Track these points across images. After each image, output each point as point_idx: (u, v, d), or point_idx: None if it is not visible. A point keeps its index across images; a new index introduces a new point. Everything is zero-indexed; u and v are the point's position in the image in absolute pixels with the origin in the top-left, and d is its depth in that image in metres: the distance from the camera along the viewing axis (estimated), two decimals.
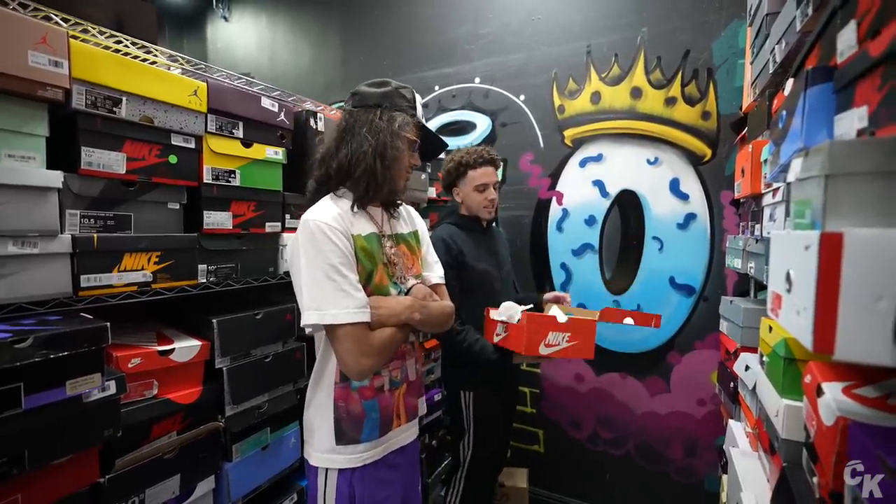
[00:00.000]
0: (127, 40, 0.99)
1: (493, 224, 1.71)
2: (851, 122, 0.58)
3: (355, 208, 0.98)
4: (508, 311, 1.38)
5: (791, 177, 0.65)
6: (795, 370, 0.86)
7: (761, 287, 1.58)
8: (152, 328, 1.17)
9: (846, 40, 0.61)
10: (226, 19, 3.14)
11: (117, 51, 0.94)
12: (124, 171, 0.93)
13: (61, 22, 0.89)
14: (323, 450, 0.97)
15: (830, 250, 0.48)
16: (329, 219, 0.91)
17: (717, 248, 1.76)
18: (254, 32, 3.05)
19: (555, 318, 1.31)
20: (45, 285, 0.82)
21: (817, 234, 0.49)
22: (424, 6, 2.36)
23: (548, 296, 1.68)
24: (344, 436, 0.96)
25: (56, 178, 0.81)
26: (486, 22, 2.20)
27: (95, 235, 0.88)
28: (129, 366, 0.94)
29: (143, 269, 0.96)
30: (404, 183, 1.05)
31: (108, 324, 0.81)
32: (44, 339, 0.72)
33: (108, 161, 0.90)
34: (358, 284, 0.92)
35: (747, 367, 1.19)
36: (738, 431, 1.25)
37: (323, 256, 0.88)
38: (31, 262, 0.80)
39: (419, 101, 1.05)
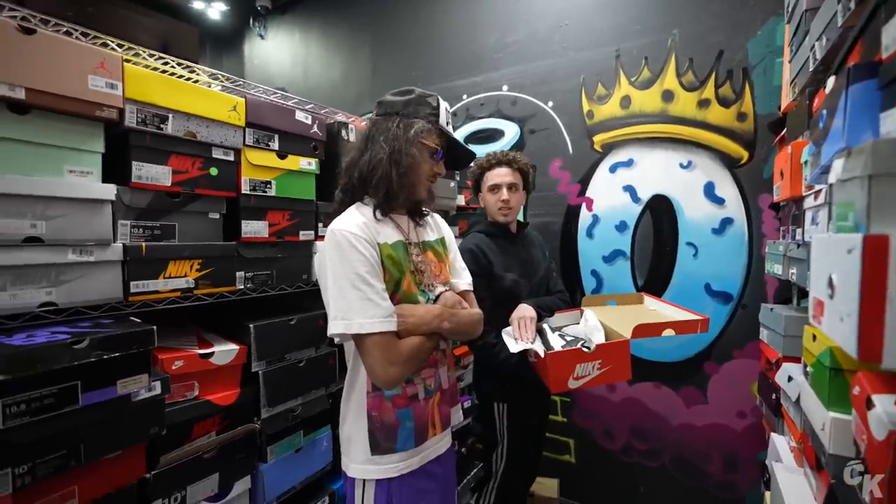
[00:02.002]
0: (173, 61, 1.06)
1: (525, 228, 1.68)
2: None
3: (378, 216, 0.99)
4: (520, 326, 1.35)
5: (832, 178, 0.63)
6: (842, 381, 0.82)
7: (804, 294, 1.50)
8: (193, 332, 1.23)
9: (892, 34, 0.58)
10: (262, 37, 3.29)
11: (164, 71, 1.01)
12: (170, 184, 0.99)
13: (116, 48, 0.97)
14: (359, 461, 0.97)
15: (875, 253, 0.46)
16: (354, 228, 0.92)
17: (756, 253, 1.69)
18: (288, 48, 3.18)
19: (580, 349, 1.22)
20: (99, 291, 0.88)
21: (861, 237, 0.47)
22: (452, 17, 2.40)
23: None
24: (379, 446, 0.96)
25: (110, 190, 0.88)
26: (513, 30, 2.21)
27: (144, 244, 0.94)
28: (173, 368, 0.99)
29: (186, 275, 1.02)
30: (426, 191, 1.05)
31: (155, 327, 0.86)
32: (98, 341, 0.78)
33: (156, 174, 0.96)
34: (384, 293, 0.93)
35: (790, 378, 1.14)
36: (781, 446, 1.19)
37: (349, 266, 0.89)
38: (88, 270, 0.86)
39: (444, 108, 1.03)
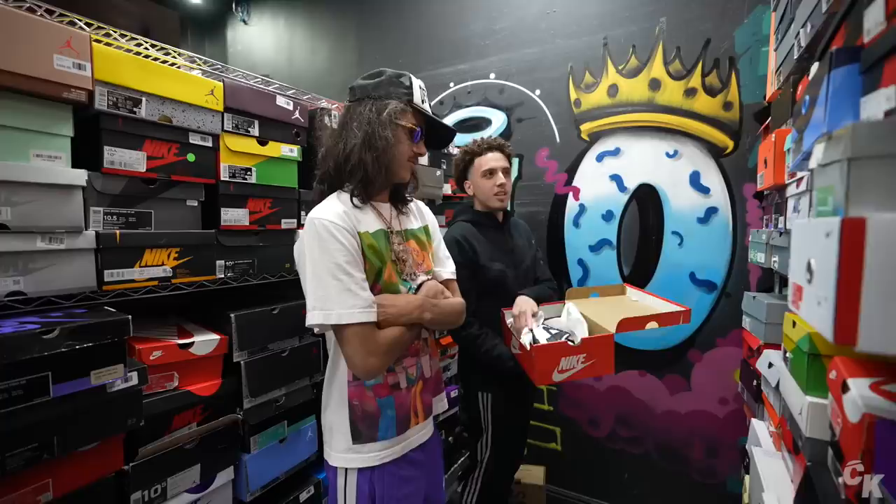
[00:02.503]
0: (147, 43, 1.02)
1: (511, 216, 1.65)
2: (879, 103, 0.56)
3: (357, 203, 0.97)
4: (521, 320, 1.35)
5: (813, 163, 0.63)
6: (820, 366, 0.83)
7: (786, 282, 1.52)
8: (173, 322, 1.20)
9: (874, 17, 0.58)
10: (245, 22, 3.21)
11: (138, 53, 0.97)
12: (144, 170, 0.96)
13: (84, 27, 0.93)
14: (341, 450, 0.97)
15: (852, 237, 0.46)
16: (334, 217, 0.90)
17: (740, 242, 1.70)
18: (272, 34, 3.11)
19: (565, 343, 1.22)
20: (71, 280, 0.85)
21: (839, 220, 0.47)
22: (439, 3, 2.37)
23: None
24: (360, 435, 0.96)
25: (80, 176, 0.84)
26: (500, 17, 2.18)
27: (118, 232, 0.91)
28: (151, 358, 0.97)
29: (163, 264, 0.99)
30: (408, 172, 1.02)
31: (130, 316, 0.84)
32: (69, 331, 0.75)
33: (129, 160, 0.93)
34: (364, 283, 0.91)
35: (770, 365, 1.15)
36: (761, 431, 1.21)
37: (328, 255, 0.88)
38: (58, 258, 0.83)
39: (418, 86, 1.00)
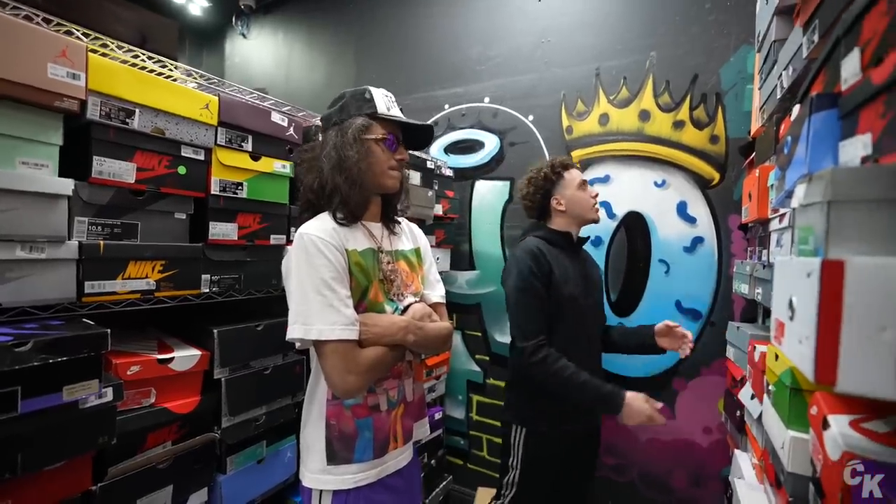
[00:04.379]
0: (144, 55, 1.03)
1: (583, 243, 1.55)
2: (856, 148, 0.58)
3: (343, 223, 0.97)
4: None
5: (795, 203, 0.65)
6: (801, 400, 0.84)
7: (769, 313, 1.54)
8: (154, 336, 1.17)
9: (850, 67, 0.61)
10: (244, 36, 3.24)
11: (134, 65, 0.98)
12: (133, 181, 0.95)
13: (82, 37, 0.93)
14: (315, 470, 0.94)
15: (832, 278, 0.47)
16: (323, 233, 0.91)
17: (725, 272, 1.73)
18: (271, 49, 3.14)
19: None
20: (50, 290, 0.83)
21: (819, 262, 0.48)
22: (437, 27, 2.42)
23: (659, 326, 1.47)
24: (336, 456, 0.93)
25: (67, 185, 0.83)
26: (496, 44, 2.24)
27: (102, 242, 0.90)
28: (128, 373, 0.94)
29: (147, 277, 0.98)
30: (392, 181, 1.01)
31: (109, 330, 0.82)
32: (44, 344, 0.73)
33: (119, 170, 0.92)
34: (348, 301, 0.91)
35: (753, 396, 1.16)
36: (744, 462, 1.21)
37: (314, 270, 0.87)
38: (38, 268, 0.81)
39: (381, 94, 1.00)
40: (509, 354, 1.51)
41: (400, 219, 1.13)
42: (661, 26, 1.83)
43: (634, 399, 1.26)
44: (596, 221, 1.48)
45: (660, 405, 1.28)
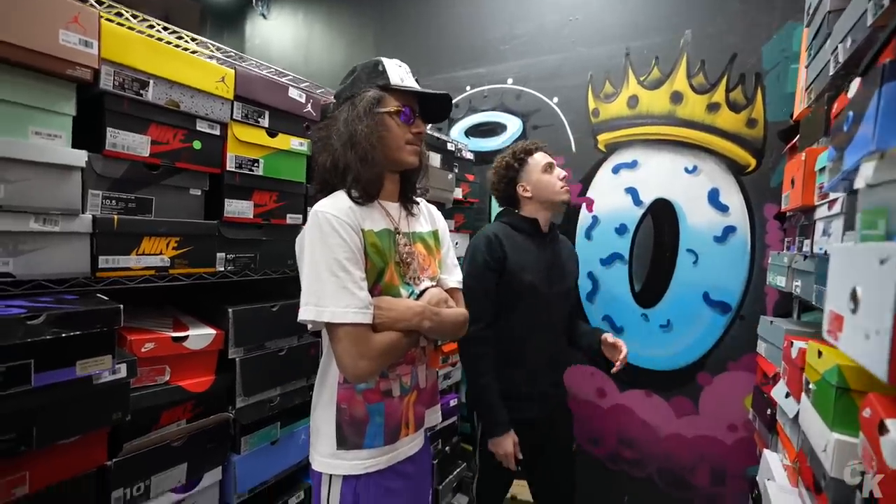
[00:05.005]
0: (159, 25, 0.99)
1: (557, 230, 1.53)
2: None
3: (359, 202, 0.93)
4: None
5: (860, 183, 0.58)
6: (849, 401, 0.78)
7: (805, 307, 1.46)
8: (170, 314, 1.17)
9: None
10: (264, 17, 3.20)
11: (150, 35, 0.94)
12: (148, 154, 0.92)
13: (95, 3, 0.90)
14: (325, 454, 0.93)
15: None
16: (339, 212, 0.87)
17: (758, 264, 1.64)
18: (291, 30, 3.10)
19: None
20: (64, 264, 0.82)
21: None
22: (460, 6, 2.34)
23: (608, 337, 1.43)
24: (346, 441, 0.91)
25: (80, 157, 0.81)
26: (521, 22, 2.15)
27: (116, 217, 0.88)
28: (143, 350, 0.93)
29: (161, 253, 0.96)
30: (411, 155, 0.97)
31: (122, 306, 0.80)
32: (56, 317, 0.72)
33: (133, 143, 0.90)
34: (363, 283, 0.88)
35: (788, 394, 1.10)
36: (774, 463, 1.15)
37: (328, 250, 0.84)
38: (52, 241, 0.80)
39: (394, 65, 0.95)
40: None
41: (419, 199, 1.09)
42: (697, 2, 1.72)
43: (506, 438, 1.31)
44: (567, 203, 1.45)
45: (520, 457, 1.33)
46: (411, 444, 1.01)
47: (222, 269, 1.09)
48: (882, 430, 0.59)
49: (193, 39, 1.08)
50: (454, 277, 1.09)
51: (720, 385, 1.71)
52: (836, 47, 0.99)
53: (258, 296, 1.24)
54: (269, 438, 1.20)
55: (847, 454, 0.73)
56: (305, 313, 0.85)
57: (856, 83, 0.88)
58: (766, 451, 1.21)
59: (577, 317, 1.60)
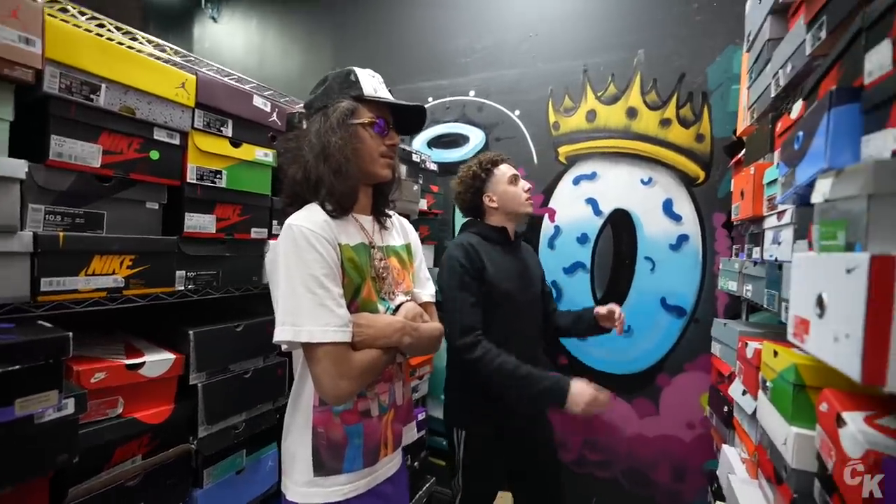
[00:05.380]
0: (111, 24, 0.92)
1: (521, 237, 1.55)
2: (885, 142, 0.57)
3: (334, 216, 0.90)
4: None
5: (818, 197, 0.63)
6: (805, 397, 0.84)
7: (753, 309, 1.58)
8: (121, 339, 1.07)
9: (877, 60, 0.59)
10: (214, 20, 3.06)
11: (99, 34, 0.87)
12: (99, 165, 0.84)
13: None
14: (300, 482, 0.87)
15: (882, 274, 0.45)
16: (314, 225, 0.83)
17: (709, 269, 1.76)
18: (243, 34, 2.98)
19: None
20: None
21: (866, 257, 0.46)
22: (421, 17, 2.35)
23: (600, 309, 1.48)
24: (323, 466, 0.86)
25: (19, 167, 0.73)
26: (482, 36, 2.20)
27: (62, 234, 0.79)
28: (92, 381, 0.84)
29: (114, 273, 0.87)
30: (384, 168, 0.95)
31: (70, 334, 0.72)
32: None
33: (81, 153, 0.81)
34: (341, 300, 0.84)
35: (745, 392, 1.17)
36: (733, 457, 1.22)
37: (304, 266, 0.80)
38: None
39: (367, 75, 0.93)
40: (446, 356, 1.49)
41: (391, 212, 1.07)
42: (648, 25, 1.84)
43: (577, 383, 1.23)
44: (530, 214, 1.48)
45: (604, 393, 1.23)
46: (390, 464, 0.98)
47: (182, 287, 1.01)
48: (840, 422, 0.64)
49: (150, 41, 1.00)
50: (427, 291, 1.08)
51: (678, 385, 1.80)
52: (777, 72, 1.08)
53: (221, 315, 1.16)
54: (235, 468, 1.12)
55: (806, 446, 0.79)
56: (282, 334, 0.80)
57: (798, 105, 0.97)
58: (724, 447, 1.28)
59: (556, 312, 1.61)
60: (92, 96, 0.81)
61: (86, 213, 0.84)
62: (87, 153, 0.82)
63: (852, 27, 0.68)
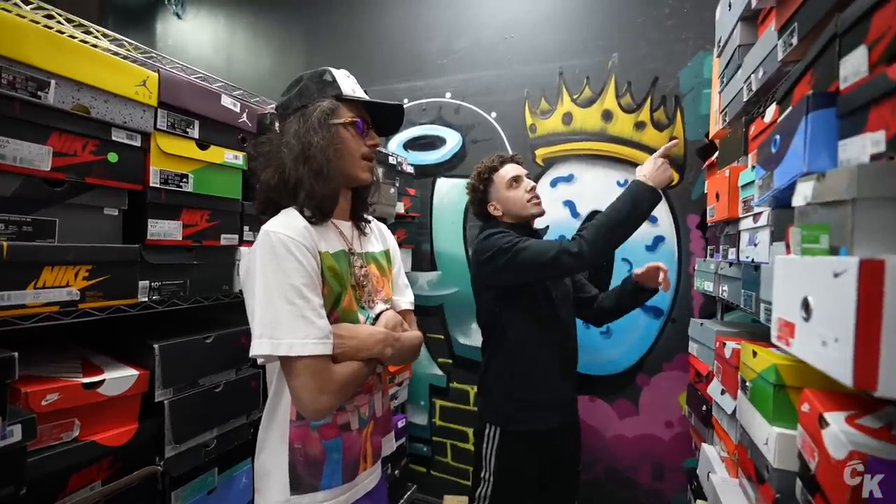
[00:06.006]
0: (61, 15, 0.85)
1: (543, 233, 1.52)
2: (863, 146, 0.57)
3: (313, 221, 0.86)
4: None
5: (799, 200, 0.64)
6: (785, 397, 0.85)
7: (728, 309, 1.61)
8: (77, 355, 0.99)
9: (852, 66, 0.60)
10: (178, 16, 2.94)
11: (48, 27, 0.80)
12: (49, 168, 0.78)
13: None
14: (275, 501, 0.83)
15: (871, 277, 0.45)
16: (294, 232, 0.79)
17: (685, 270, 1.79)
18: (210, 32, 2.87)
19: None
20: None
21: (855, 261, 0.46)
22: (396, 16, 2.32)
23: (638, 271, 1.44)
24: (300, 483, 0.83)
25: None
26: (458, 37, 2.18)
27: (5, 243, 0.72)
28: (43, 403, 0.77)
29: (68, 285, 0.81)
30: (365, 171, 0.92)
31: (16, 354, 0.65)
32: None
33: (28, 154, 0.75)
34: (321, 310, 0.80)
35: (724, 391, 1.19)
36: (712, 456, 1.24)
37: (284, 275, 0.76)
38: None
39: (343, 75, 0.91)
40: (482, 353, 1.48)
41: (369, 217, 1.04)
42: (622, 29, 1.86)
43: (642, 168, 1.28)
44: (536, 216, 1.44)
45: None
46: (369, 478, 0.95)
47: (145, 298, 0.95)
48: (822, 423, 0.64)
49: (106, 36, 0.93)
50: (406, 299, 1.05)
51: (657, 385, 1.83)
52: (749, 77, 1.11)
53: (189, 327, 1.10)
54: (206, 488, 1.06)
55: (788, 446, 0.80)
56: (260, 348, 0.75)
57: (772, 109, 0.99)
58: (703, 445, 1.30)
59: (599, 296, 1.57)
60: (39, 93, 0.74)
61: (34, 221, 0.77)
62: (34, 155, 0.75)
63: (825, 33, 0.69)
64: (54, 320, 0.80)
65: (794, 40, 0.87)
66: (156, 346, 0.94)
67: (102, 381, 0.86)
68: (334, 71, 0.91)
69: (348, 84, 0.91)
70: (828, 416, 0.65)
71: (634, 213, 1.23)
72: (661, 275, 1.41)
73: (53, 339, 1.05)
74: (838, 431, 0.60)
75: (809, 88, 0.77)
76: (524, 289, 1.36)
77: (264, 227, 0.80)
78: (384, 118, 0.97)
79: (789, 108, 0.77)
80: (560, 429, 1.40)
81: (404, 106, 2.24)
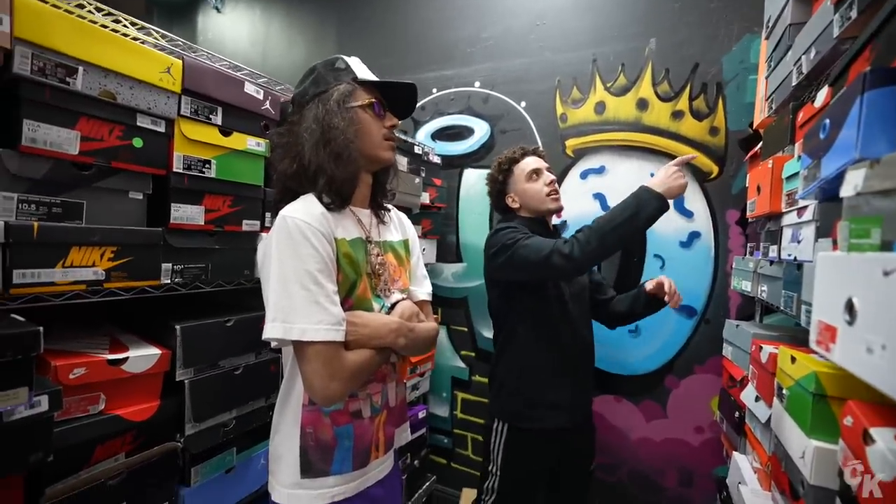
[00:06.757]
0: (90, 4, 0.88)
1: (561, 230, 1.50)
2: None
3: (331, 208, 0.86)
4: None
5: (848, 190, 0.57)
6: (826, 408, 0.78)
7: (768, 311, 1.51)
8: (106, 333, 1.04)
9: None
10: (218, 10, 3.03)
11: (81, 16, 0.83)
12: (77, 152, 0.81)
13: None
14: (287, 484, 0.84)
15: None
16: (310, 218, 0.80)
17: (721, 268, 1.69)
18: (247, 25, 2.94)
19: None
20: None
21: None
22: (426, 6, 2.29)
23: (648, 285, 1.38)
24: (311, 467, 0.83)
25: None
26: (488, 25, 2.13)
27: (36, 224, 0.75)
28: (71, 376, 0.81)
29: (94, 265, 0.84)
30: (387, 152, 0.92)
31: (41, 328, 0.68)
32: None
33: (58, 139, 0.78)
34: (335, 297, 0.80)
35: (758, 398, 1.11)
36: (744, 465, 1.16)
37: (299, 261, 0.77)
38: None
39: (355, 62, 0.92)
40: (493, 345, 1.45)
41: (389, 206, 1.03)
42: (660, 13, 1.76)
43: (654, 178, 1.18)
44: (553, 211, 1.39)
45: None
46: (381, 466, 0.95)
47: (168, 281, 0.98)
48: (867, 439, 0.58)
49: (134, 24, 0.96)
50: (424, 289, 1.04)
51: (687, 388, 1.74)
52: (800, 58, 1.01)
53: (210, 310, 1.13)
54: (224, 466, 1.09)
55: (826, 461, 0.73)
56: (272, 331, 0.76)
57: (824, 92, 0.90)
58: (735, 454, 1.22)
59: (614, 299, 1.51)
60: (68, 79, 0.77)
61: (63, 203, 0.81)
62: (63, 139, 0.78)
63: (889, 2, 0.61)
64: (82, 298, 0.84)
65: (854, 13, 0.78)
66: (177, 327, 0.97)
67: (126, 359, 0.89)
68: (346, 57, 0.91)
69: (361, 68, 0.91)
70: (874, 431, 0.58)
71: (634, 220, 1.14)
72: (667, 286, 1.33)
73: (87, 318, 1.11)
74: (885, 450, 0.54)
75: (867, 65, 0.69)
76: (530, 286, 1.33)
77: (282, 212, 0.80)
78: (398, 101, 0.96)
79: (843, 90, 0.70)
80: (570, 428, 1.36)
81: (433, 95, 2.24)
